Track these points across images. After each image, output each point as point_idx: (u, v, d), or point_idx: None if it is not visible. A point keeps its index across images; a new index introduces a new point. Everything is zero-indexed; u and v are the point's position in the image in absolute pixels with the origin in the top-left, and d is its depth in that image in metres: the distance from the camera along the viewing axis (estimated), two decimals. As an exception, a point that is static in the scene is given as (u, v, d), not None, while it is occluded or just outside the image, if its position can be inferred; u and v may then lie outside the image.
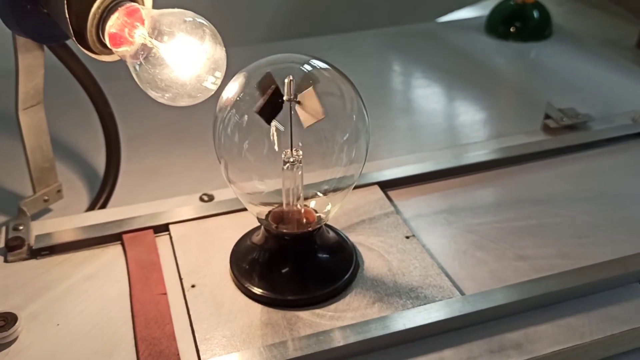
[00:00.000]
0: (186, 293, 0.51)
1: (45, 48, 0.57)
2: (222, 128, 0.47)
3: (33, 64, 0.56)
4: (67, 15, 0.46)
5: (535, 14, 1.06)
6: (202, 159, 0.75)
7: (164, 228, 0.58)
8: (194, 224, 0.58)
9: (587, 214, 0.60)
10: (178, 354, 0.45)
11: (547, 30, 1.06)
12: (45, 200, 0.63)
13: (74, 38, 0.48)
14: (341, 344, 0.45)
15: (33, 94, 0.58)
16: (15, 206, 0.63)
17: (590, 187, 0.64)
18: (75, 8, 0.47)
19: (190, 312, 0.49)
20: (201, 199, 0.62)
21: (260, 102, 0.45)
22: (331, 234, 0.54)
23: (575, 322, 0.49)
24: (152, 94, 0.48)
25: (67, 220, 0.59)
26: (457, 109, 0.88)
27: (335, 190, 0.50)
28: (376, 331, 0.46)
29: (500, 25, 1.07)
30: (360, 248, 0.55)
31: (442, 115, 0.86)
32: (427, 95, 0.92)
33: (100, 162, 0.73)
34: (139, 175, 0.71)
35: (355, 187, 0.61)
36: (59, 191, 0.64)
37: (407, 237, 0.56)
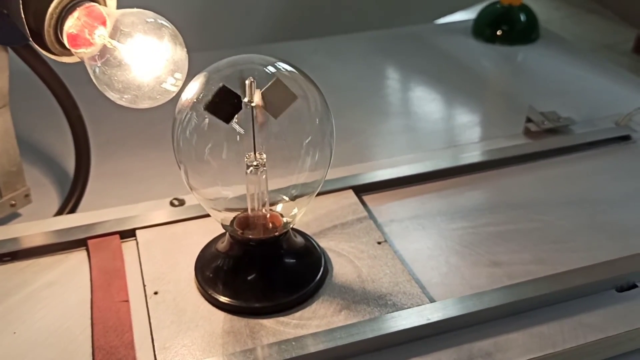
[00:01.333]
0: (148, 300, 0.49)
1: (10, 50, 0.56)
2: (180, 131, 0.46)
3: (-3, 65, 0.55)
4: (23, 15, 0.45)
5: (522, 17, 1.05)
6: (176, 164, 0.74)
7: (130, 233, 0.57)
8: (162, 229, 0.57)
9: (565, 219, 0.59)
10: (135, 365, 0.44)
11: (533, 33, 1.05)
12: (12, 205, 0.62)
13: (30, 39, 0.47)
14: (303, 352, 0.44)
15: (-2, 97, 0.57)
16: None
17: (570, 192, 0.63)
18: (33, 8, 0.46)
19: (151, 320, 0.48)
20: (171, 204, 0.61)
21: (209, 98, 0.44)
22: (299, 239, 0.53)
23: (547, 330, 0.47)
24: (111, 95, 0.46)
25: (32, 226, 0.58)
26: (441, 112, 0.87)
27: (301, 194, 0.49)
28: (340, 340, 0.44)
29: (487, 28, 1.06)
30: (330, 254, 0.54)
31: (426, 119, 0.85)
32: (411, 99, 0.91)
33: (71, 166, 0.72)
34: (110, 180, 0.70)
35: (329, 192, 0.60)
36: (27, 195, 0.63)
37: (379, 243, 0.55)
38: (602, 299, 0.50)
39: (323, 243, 0.55)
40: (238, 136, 0.46)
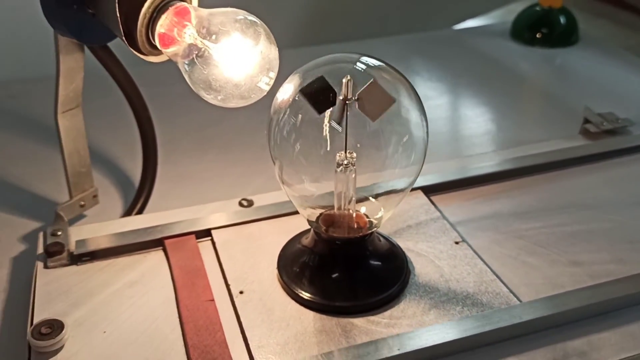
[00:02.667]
0: (235, 300, 0.49)
1: (86, 50, 0.56)
2: (277, 130, 0.46)
3: (73, 66, 0.55)
4: (118, 15, 0.45)
5: (562, 19, 1.05)
6: (234, 165, 0.74)
7: (205, 233, 0.57)
8: (237, 229, 0.57)
9: (637, 218, 0.59)
10: (232, 363, 0.44)
11: (573, 36, 1.05)
12: (82, 206, 0.62)
13: (124, 38, 0.47)
14: (401, 352, 0.43)
15: (72, 97, 0.57)
16: (50, 212, 0.62)
17: (637, 192, 0.63)
18: (125, 8, 0.46)
19: (241, 319, 0.48)
20: (240, 204, 0.61)
21: (308, 84, 0.44)
22: (380, 238, 0.53)
23: (638, 329, 0.47)
24: (204, 95, 0.46)
25: (105, 226, 0.58)
26: (490, 114, 0.86)
27: (388, 195, 0.49)
28: (436, 338, 0.44)
29: (526, 31, 1.06)
30: (409, 254, 0.54)
31: (475, 121, 0.85)
32: (456, 102, 0.91)
33: (133, 168, 0.72)
34: (170, 182, 0.70)
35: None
36: (94, 196, 0.63)
37: (457, 243, 0.55)
38: (687, 298, 0.50)
39: (401, 243, 0.55)
40: (328, 135, 0.46)
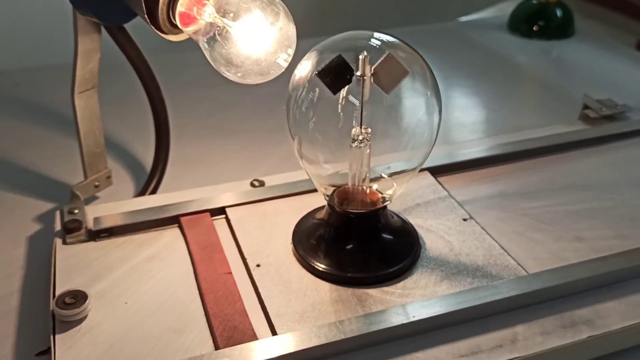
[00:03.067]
0: (252, 272, 0.51)
1: (103, 31, 0.57)
2: (296, 106, 0.47)
3: (90, 47, 0.57)
4: (141, -7, 0.47)
5: (559, 12, 1.07)
6: (241, 150, 0.75)
7: (219, 211, 0.58)
8: (251, 207, 0.58)
9: (638, 198, 0.61)
10: (252, 329, 0.45)
11: (570, 29, 1.08)
12: (96, 186, 0.63)
13: (146, 16, 0.48)
14: (416, 318, 0.45)
15: (89, 78, 0.58)
16: (61, 194, 0.63)
17: (636, 174, 0.65)
18: (147, -14, 0.48)
19: (260, 290, 0.49)
20: (252, 185, 0.62)
21: (323, 67, 0.45)
22: (392, 215, 0.54)
23: (640, 299, 0.49)
24: (224, 71, 0.48)
25: (121, 205, 0.59)
26: (491, 102, 0.89)
27: (401, 172, 0.51)
28: (450, 307, 0.46)
29: (523, 23, 1.08)
30: (419, 230, 0.55)
31: (474, 109, 0.87)
32: (457, 91, 0.92)
33: (144, 151, 0.73)
34: (182, 164, 0.71)
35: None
36: (108, 177, 0.64)
37: (465, 220, 0.57)
38: (687, 270, 0.52)
39: (411, 220, 0.56)
40: (342, 111, 0.47)
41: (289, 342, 0.43)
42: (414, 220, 0.56)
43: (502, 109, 0.87)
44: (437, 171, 0.64)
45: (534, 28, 1.07)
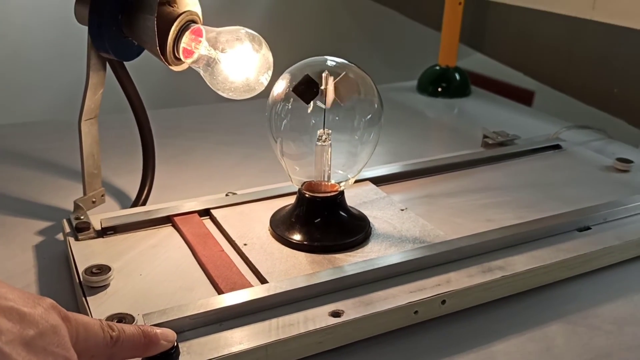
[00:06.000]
0: (242, 249, 0.63)
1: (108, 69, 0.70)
2: (276, 116, 0.62)
3: (98, 82, 0.69)
4: (157, 34, 0.61)
5: (457, 76, 1.30)
6: (216, 171, 0.88)
7: (205, 213, 0.70)
8: (231, 208, 0.71)
9: (529, 195, 0.79)
10: (249, 283, 0.57)
11: (467, 89, 1.30)
12: (93, 202, 0.74)
13: (159, 51, 0.62)
14: (377, 267, 0.59)
15: (93, 108, 0.71)
16: (55, 216, 0.74)
17: (526, 180, 0.84)
18: (158, 29, 0.62)
19: (250, 259, 0.61)
20: (227, 195, 0.75)
21: (297, 84, 0.61)
22: (348, 205, 0.69)
23: (538, 254, 0.65)
24: (219, 89, 0.62)
25: (119, 213, 0.70)
26: (404, 146, 1.07)
27: (353, 164, 0.66)
28: (402, 258, 0.60)
29: (429, 86, 1.30)
30: (368, 217, 0.70)
31: (394, 150, 1.05)
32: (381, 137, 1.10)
33: (124, 172, 0.84)
34: (162, 187, 0.83)
35: (353, 183, 0.77)
36: (102, 195, 0.75)
37: (402, 210, 0.72)
38: (568, 235, 0.69)
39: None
40: (312, 118, 0.63)
41: (280, 286, 0.56)
42: (363, 212, 0.71)
43: (419, 147, 1.05)
44: (377, 181, 0.79)
45: (439, 89, 1.29)
